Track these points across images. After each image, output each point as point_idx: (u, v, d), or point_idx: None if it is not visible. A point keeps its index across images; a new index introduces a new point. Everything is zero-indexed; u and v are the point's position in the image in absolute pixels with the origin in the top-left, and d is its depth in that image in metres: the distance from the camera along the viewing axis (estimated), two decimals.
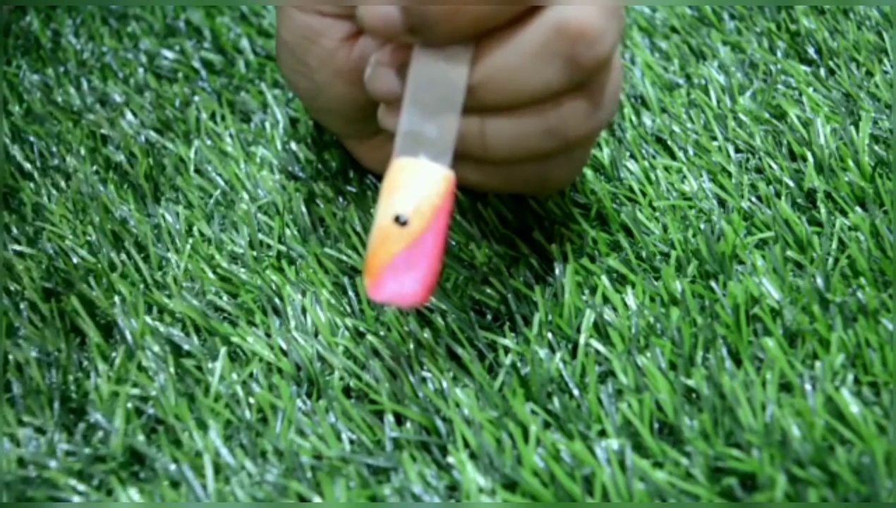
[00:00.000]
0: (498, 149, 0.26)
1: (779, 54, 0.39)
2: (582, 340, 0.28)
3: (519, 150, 0.26)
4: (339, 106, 0.31)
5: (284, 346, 0.29)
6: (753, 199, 0.33)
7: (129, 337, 0.30)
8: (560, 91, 0.25)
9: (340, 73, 0.29)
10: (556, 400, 0.27)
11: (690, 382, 0.27)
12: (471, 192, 0.33)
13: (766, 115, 0.36)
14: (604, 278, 0.30)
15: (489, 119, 0.25)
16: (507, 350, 0.29)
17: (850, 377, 0.26)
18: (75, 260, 0.33)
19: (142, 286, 0.32)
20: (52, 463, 0.27)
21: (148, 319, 0.30)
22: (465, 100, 0.25)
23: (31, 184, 0.36)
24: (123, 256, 0.33)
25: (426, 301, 0.25)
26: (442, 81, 0.24)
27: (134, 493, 0.26)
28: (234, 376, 0.29)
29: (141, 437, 0.27)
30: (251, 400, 0.28)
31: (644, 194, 0.33)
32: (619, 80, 0.27)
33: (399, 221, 0.24)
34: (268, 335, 0.30)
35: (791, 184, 0.33)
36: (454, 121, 0.25)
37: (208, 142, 0.38)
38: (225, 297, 0.31)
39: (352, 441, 0.27)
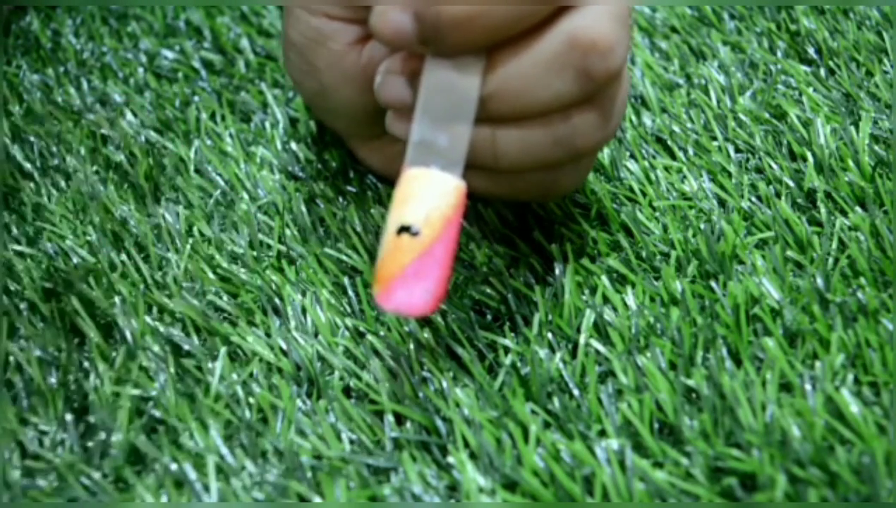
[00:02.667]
0: (508, 158, 0.26)
1: (779, 54, 0.39)
2: (582, 340, 0.28)
3: (529, 160, 0.26)
4: (345, 108, 0.31)
5: (284, 346, 0.29)
6: (753, 199, 0.33)
7: (129, 337, 0.30)
8: (571, 102, 0.25)
9: (349, 76, 0.29)
10: (556, 400, 0.27)
11: (690, 382, 0.27)
12: (471, 194, 0.33)
13: (766, 115, 0.36)
14: (604, 278, 0.30)
15: (500, 129, 0.25)
16: (507, 350, 0.29)
17: (850, 377, 0.26)
18: (75, 260, 0.33)
19: (142, 286, 0.32)
20: (56, 462, 0.27)
21: (148, 319, 0.30)
22: (477, 111, 0.25)
23: (31, 184, 0.36)
24: (123, 256, 0.33)
25: (435, 311, 0.25)
26: (454, 91, 0.24)
27: (135, 494, 0.26)
28: (235, 376, 0.29)
29: (143, 437, 0.27)
30: (251, 400, 0.28)
31: (644, 194, 0.33)
32: (627, 91, 0.27)
33: (410, 232, 0.24)
34: (268, 335, 0.30)
35: (791, 184, 0.33)
36: (466, 131, 0.25)
37: (208, 142, 0.38)
38: (225, 297, 0.31)
39: (352, 441, 0.27)
